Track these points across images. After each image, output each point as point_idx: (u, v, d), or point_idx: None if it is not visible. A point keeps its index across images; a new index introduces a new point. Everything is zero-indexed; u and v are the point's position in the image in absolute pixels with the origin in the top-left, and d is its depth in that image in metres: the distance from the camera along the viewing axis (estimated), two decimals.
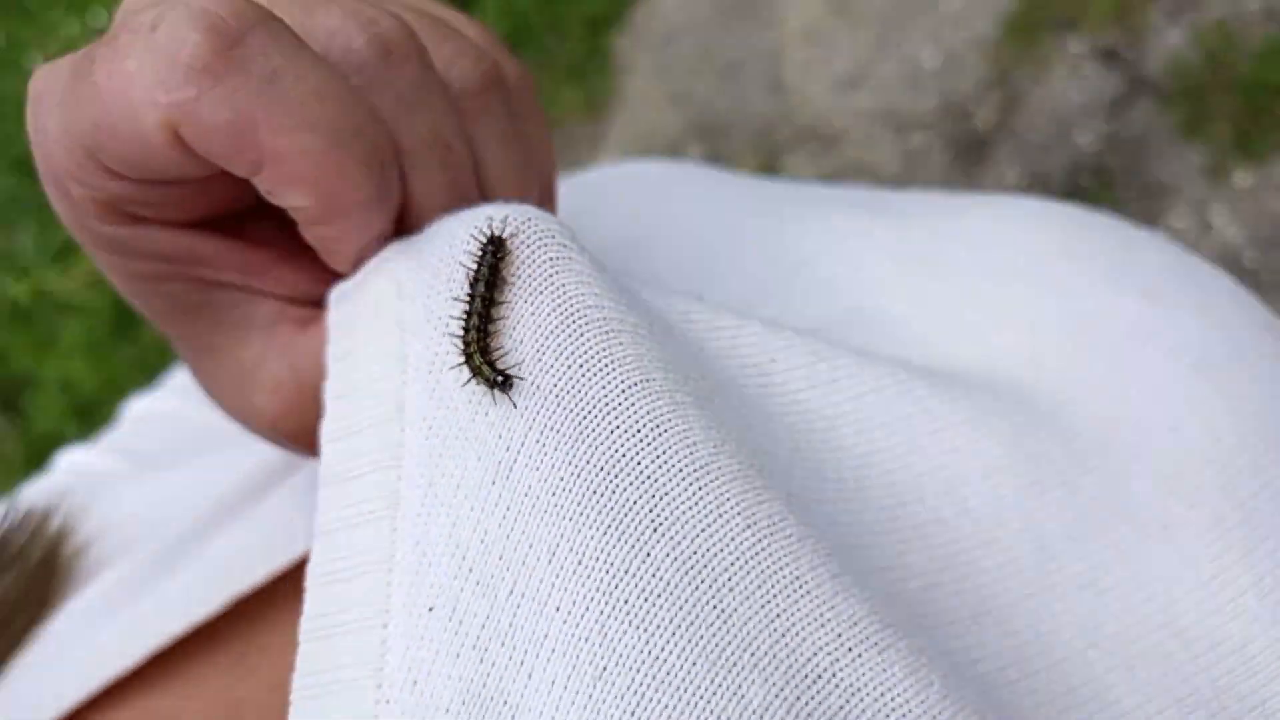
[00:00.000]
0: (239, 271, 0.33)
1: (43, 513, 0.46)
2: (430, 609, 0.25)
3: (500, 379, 0.26)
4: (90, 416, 2.56)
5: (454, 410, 0.27)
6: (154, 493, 0.49)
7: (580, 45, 2.19)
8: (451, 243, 0.29)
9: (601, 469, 0.25)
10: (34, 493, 0.52)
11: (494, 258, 0.27)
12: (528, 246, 0.28)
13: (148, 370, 2.36)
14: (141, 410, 0.61)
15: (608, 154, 2.05)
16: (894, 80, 1.78)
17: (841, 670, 0.24)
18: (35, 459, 2.59)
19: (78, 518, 0.46)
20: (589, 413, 0.26)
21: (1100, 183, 1.49)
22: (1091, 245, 0.38)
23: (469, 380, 0.26)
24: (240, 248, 0.33)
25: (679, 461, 0.25)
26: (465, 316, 0.27)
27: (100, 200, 0.29)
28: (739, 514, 0.25)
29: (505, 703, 0.23)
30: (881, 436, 0.32)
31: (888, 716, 0.23)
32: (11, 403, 2.72)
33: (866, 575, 0.28)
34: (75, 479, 0.53)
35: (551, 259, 0.28)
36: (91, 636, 0.38)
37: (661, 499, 0.25)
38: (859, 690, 0.24)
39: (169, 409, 0.60)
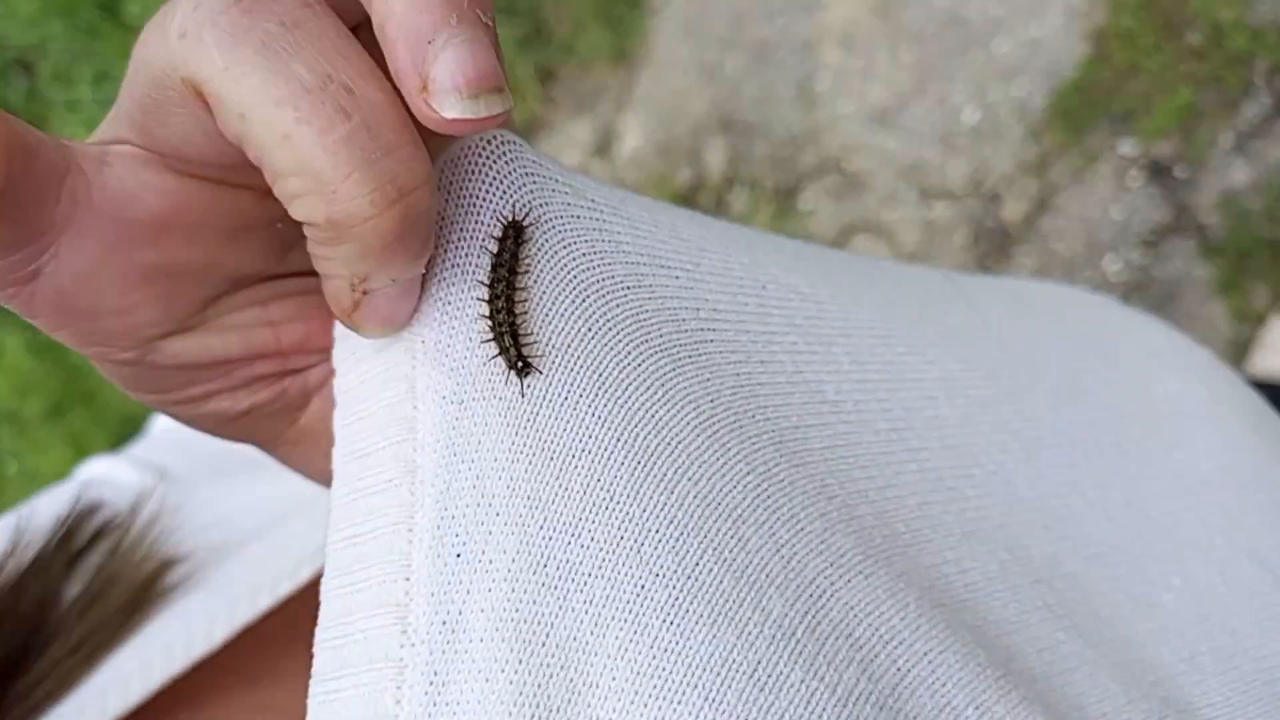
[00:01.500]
0: (297, 349, 0.32)
1: (126, 513, 0.46)
2: (458, 555, 0.26)
3: (522, 364, 0.28)
4: None
5: (471, 376, 0.28)
6: (229, 500, 0.50)
7: None
8: (464, 234, 0.29)
9: (623, 419, 0.27)
10: (78, 493, 0.50)
11: (514, 244, 0.29)
12: (537, 225, 0.29)
13: None
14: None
15: (633, 121, 1.91)
16: (927, 127, 1.57)
17: (838, 591, 0.28)
18: None
19: (162, 528, 0.47)
20: (602, 369, 0.28)
21: None
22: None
23: (494, 357, 0.28)
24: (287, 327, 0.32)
25: (686, 414, 0.28)
26: (491, 300, 0.29)
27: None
28: (741, 459, 0.28)
29: (540, 622, 0.25)
30: (875, 369, 0.36)
31: (878, 629, 0.28)
32: None
33: (866, 494, 0.31)
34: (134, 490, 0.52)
35: (549, 237, 0.29)
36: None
37: (678, 446, 0.27)
38: (854, 607, 0.28)
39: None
